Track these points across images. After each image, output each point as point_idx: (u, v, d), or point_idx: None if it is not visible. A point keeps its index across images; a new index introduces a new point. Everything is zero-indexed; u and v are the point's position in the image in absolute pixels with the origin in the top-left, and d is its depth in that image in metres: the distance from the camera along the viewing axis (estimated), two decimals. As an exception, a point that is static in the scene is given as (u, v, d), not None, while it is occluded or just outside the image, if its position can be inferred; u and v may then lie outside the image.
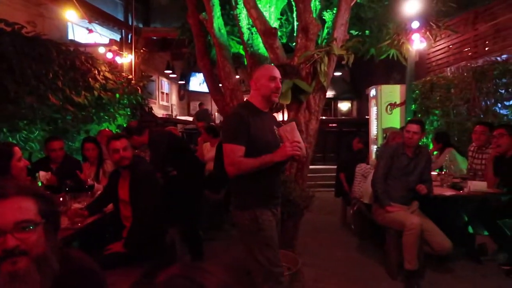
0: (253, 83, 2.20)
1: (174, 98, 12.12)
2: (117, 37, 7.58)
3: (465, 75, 5.34)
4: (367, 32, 5.50)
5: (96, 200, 3.08)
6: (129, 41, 7.70)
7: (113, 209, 3.01)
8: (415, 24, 4.31)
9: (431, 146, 5.71)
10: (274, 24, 3.87)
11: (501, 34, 5.20)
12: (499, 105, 4.88)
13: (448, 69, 6.20)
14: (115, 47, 7.21)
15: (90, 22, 6.71)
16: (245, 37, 3.60)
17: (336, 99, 12.58)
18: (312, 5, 3.44)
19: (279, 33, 4.21)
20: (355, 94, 12.14)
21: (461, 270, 3.68)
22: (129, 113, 7.24)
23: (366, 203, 4.24)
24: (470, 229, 4.23)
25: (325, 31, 3.49)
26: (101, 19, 6.96)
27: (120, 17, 7.49)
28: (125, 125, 7.03)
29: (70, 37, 7.40)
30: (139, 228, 2.70)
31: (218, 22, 3.46)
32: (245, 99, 3.83)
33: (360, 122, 9.96)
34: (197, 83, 12.31)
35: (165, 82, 11.08)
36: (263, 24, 3.16)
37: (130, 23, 7.64)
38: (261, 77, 2.17)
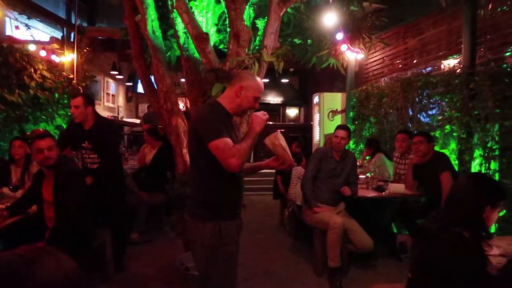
0: (238, 88, 1.98)
1: (121, 100, 11.83)
2: (59, 35, 7.34)
3: (395, 85, 5.73)
4: (309, 41, 5.77)
5: (19, 201, 3.01)
6: (72, 40, 7.48)
7: (37, 210, 2.95)
8: (339, 36, 4.57)
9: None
10: (211, 30, 3.97)
11: (426, 48, 5.64)
12: (423, 113, 5.29)
13: (383, 79, 6.62)
14: (55, 45, 6.97)
15: (29, 17, 6.48)
16: (181, 40, 3.66)
17: (284, 105, 12.91)
18: (246, 12, 3.57)
19: (219, 38, 4.32)
20: (303, 101, 12.54)
21: (382, 267, 3.94)
22: (69, 113, 7.02)
23: (299, 205, 4.42)
24: (394, 229, 4.55)
25: (258, 38, 3.64)
26: (40, 16, 6.71)
27: (62, 14, 7.26)
28: (64, 126, 6.82)
29: (8, 33, 7.05)
30: (61, 229, 2.67)
31: (153, 24, 3.50)
32: (179, 101, 3.91)
33: (306, 128, 10.30)
34: (147, 85, 12.13)
35: (111, 83, 10.80)
36: (195, 28, 3.24)
37: (73, 22, 7.43)
38: (250, 89, 1.99)
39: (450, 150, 4.60)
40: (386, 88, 6.02)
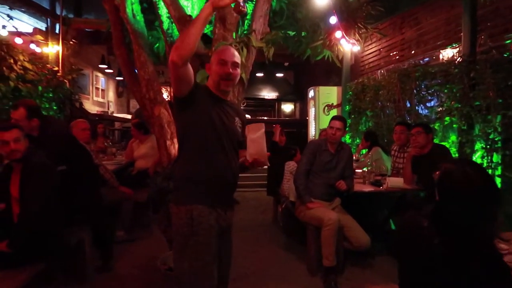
0: (207, 67, 1.99)
1: (111, 95, 11.54)
2: (43, 26, 7.07)
3: (392, 76, 5.52)
4: (303, 33, 5.56)
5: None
6: (57, 32, 7.21)
7: (5, 207, 2.71)
8: (333, 20, 4.35)
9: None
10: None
11: (423, 38, 5.44)
12: (422, 105, 5.08)
13: (379, 71, 6.40)
14: (39, 37, 6.71)
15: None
16: (165, 26, 3.43)
17: (279, 100, 12.68)
18: (233, -5, 3.33)
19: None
20: (298, 96, 12.31)
21: (380, 265, 3.74)
22: (55, 107, 6.76)
23: (292, 201, 4.20)
24: (392, 225, 4.35)
25: (246, 22, 3.41)
26: (22, 6, 6.44)
27: (46, 5, 6.98)
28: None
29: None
30: (25, 225, 2.44)
31: (133, 8, 3.25)
32: (163, 90, 3.67)
33: (301, 123, 10.10)
34: (139, 80, 11.81)
35: (100, 77, 10.52)
36: (177, 10, 3.00)
37: (58, 12, 7.15)
38: (212, 61, 1.94)
39: (450, 143, 4.40)
40: (383, 80, 5.81)
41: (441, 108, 4.62)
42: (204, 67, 3.02)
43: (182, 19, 3.00)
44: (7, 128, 2.54)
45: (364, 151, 5.49)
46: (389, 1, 5.96)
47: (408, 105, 5.34)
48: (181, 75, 1.73)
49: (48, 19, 7.07)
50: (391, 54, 6.26)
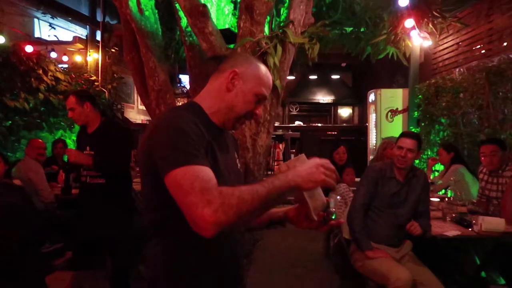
0: (230, 75, 1.18)
1: (160, 102, 11.29)
2: (85, 33, 6.81)
3: (477, 76, 4.39)
4: (362, 28, 4.69)
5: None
6: (98, 39, 6.91)
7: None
8: (403, 2, 3.39)
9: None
10: (226, 8, 3.01)
11: (521, 26, 4.26)
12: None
13: (457, 70, 5.26)
14: (79, 45, 6.44)
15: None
16: (183, 23, 2.74)
17: (336, 104, 11.61)
18: (267, -22, 2.55)
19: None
20: (357, 100, 11.16)
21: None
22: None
23: (347, 238, 3.32)
24: (483, 273, 3.28)
25: (284, 12, 2.62)
26: (62, 15, 6.21)
27: (85, 11, 6.70)
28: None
29: (37, 34, 6.66)
30: None
31: (142, 1, 2.60)
32: (178, 104, 2.99)
33: (360, 130, 9.06)
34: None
35: (147, 85, 10.27)
36: (188, 0, 2.29)
37: (99, 19, 6.85)
38: (251, 79, 1.19)
39: None
40: (464, 81, 4.68)
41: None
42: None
43: (194, 10, 2.27)
44: None
45: (437, 169, 4.44)
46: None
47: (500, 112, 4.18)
48: None
49: (88, 26, 6.78)
50: (474, 48, 5.07)
